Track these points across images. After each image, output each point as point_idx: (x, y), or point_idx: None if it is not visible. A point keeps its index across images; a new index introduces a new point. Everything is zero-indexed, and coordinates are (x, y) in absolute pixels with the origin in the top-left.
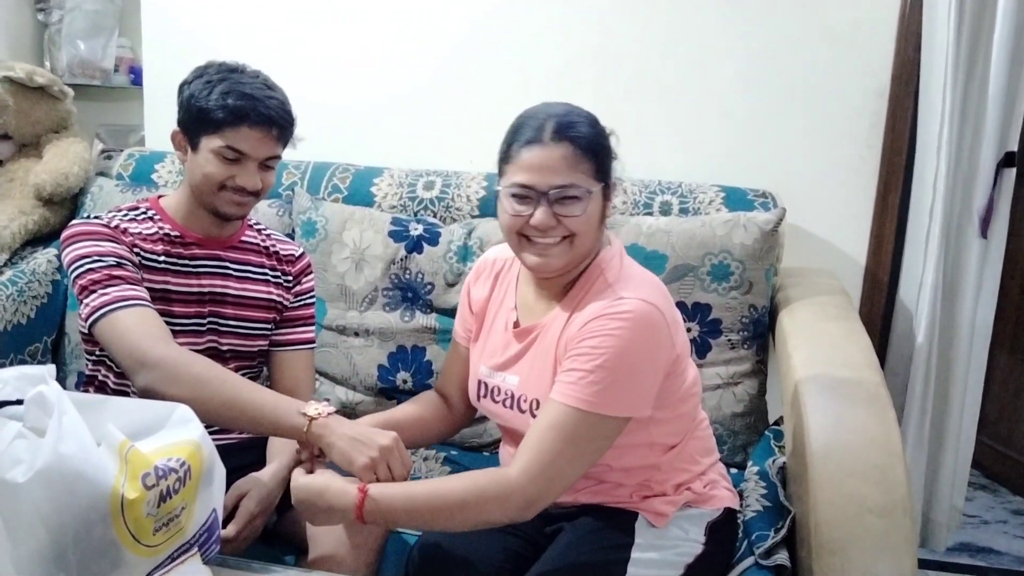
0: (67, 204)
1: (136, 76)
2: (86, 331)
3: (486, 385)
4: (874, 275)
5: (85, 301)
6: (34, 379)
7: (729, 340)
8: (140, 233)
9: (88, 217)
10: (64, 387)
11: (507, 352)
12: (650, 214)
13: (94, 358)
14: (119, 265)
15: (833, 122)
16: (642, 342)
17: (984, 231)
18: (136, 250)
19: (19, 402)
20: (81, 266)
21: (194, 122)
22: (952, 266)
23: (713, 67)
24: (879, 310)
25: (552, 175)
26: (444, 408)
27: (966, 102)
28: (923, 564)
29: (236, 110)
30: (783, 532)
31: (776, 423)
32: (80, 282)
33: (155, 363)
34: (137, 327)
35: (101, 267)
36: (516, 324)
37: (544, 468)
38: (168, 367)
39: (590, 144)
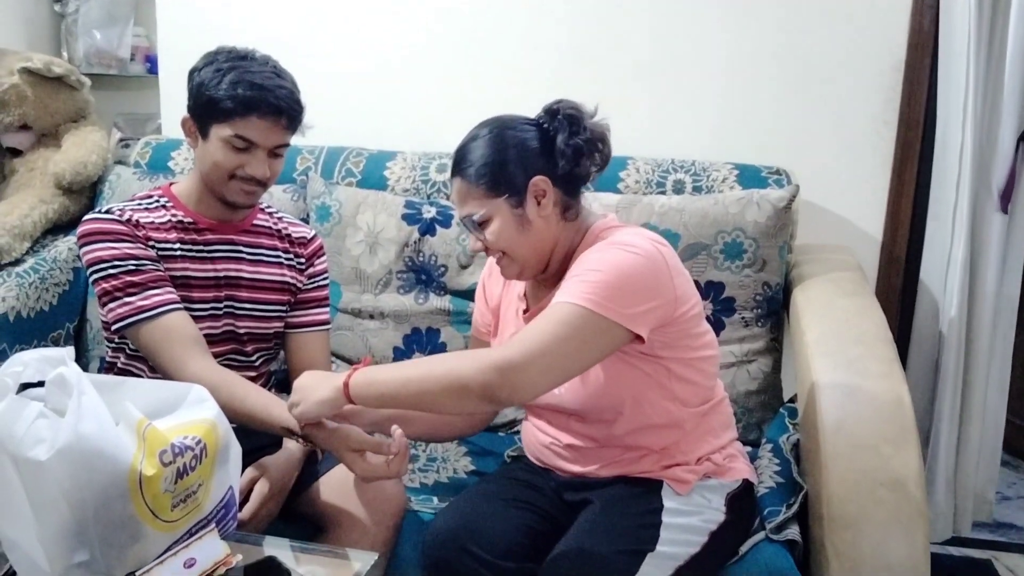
0: (86, 192)
1: (152, 65)
2: (106, 320)
3: None
4: (891, 251)
5: (108, 306)
6: (54, 361)
7: (743, 318)
8: (153, 223)
9: (102, 211)
10: (86, 372)
11: None
12: (663, 193)
13: (113, 345)
14: (137, 269)
15: (848, 97)
16: (639, 262)
17: (1004, 206)
18: (151, 242)
19: (40, 383)
20: (100, 270)
21: (204, 110)
22: (976, 241)
23: (725, 44)
24: (896, 286)
25: (460, 207)
26: None
27: (987, 75)
28: (943, 540)
29: (246, 100)
30: (795, 508)
31: (791, 400)
32: (103, 285)
33: None
34: (162, 345)
35: (119, 272)
36: (526, 311)
37: (533, 349)
38: None
39: (478, 170)
